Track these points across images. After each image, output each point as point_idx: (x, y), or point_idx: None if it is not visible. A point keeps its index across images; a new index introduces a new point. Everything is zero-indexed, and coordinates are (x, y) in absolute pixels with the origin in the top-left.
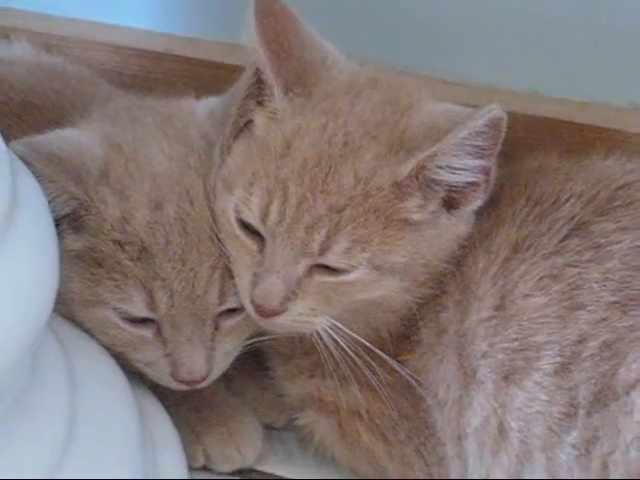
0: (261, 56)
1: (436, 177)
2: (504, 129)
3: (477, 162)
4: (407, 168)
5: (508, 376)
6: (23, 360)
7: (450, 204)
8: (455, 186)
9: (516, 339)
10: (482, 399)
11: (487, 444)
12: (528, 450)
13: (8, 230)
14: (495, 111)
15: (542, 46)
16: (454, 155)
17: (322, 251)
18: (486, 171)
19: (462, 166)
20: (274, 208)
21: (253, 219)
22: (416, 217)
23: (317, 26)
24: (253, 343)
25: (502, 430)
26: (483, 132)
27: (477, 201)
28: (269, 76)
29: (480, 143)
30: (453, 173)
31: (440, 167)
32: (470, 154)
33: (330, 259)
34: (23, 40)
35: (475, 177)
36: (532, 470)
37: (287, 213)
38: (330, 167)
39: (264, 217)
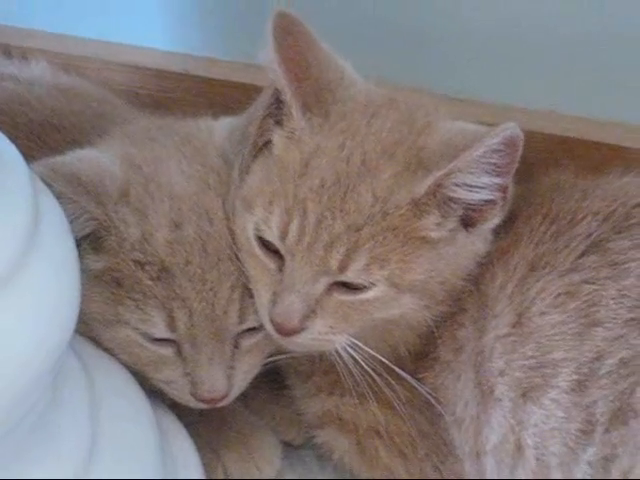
0: (280, 76)
1: (453, 195)
2: (521, 147)
3: (494, 180)
4: (424, 186)
5: (525, 393)
6: (45, 379)
7: (468, 222)
8: (472, 204)
9: (533, 356)
10: (500, 417)
11: (505, 461)
12: (545, 467)
13: (31, 250)
14: (512, 129)
15: (559, 65)
16: (470, 173)
17: (341, 269)
18: (503, 189)
19: (479, 184)
20: (293, 227)
21: (273, 238)
22: (434, 235)
23: (333, 45)
24: (272, 361)
25: (519, 447)
26: (499, 150)
27: (494, 219)
28: (287, 96)
29: (496, 161)
30: (470, 191)
31: (457, 185)
32: (487, 172)
33: (349, 276)
34: (42, 61)
35: (492, 195)
36: None
37: (306, 232)
38: (348, 186)
39: (283, 236)
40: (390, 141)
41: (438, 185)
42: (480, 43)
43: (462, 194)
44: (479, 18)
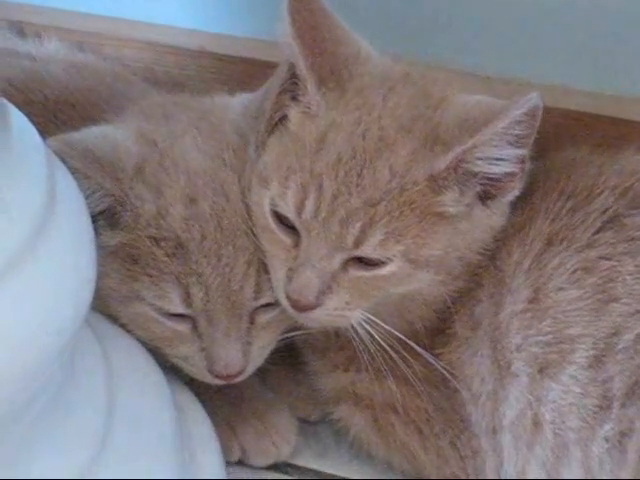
0: (295, 50)
1: (474, 169)
2: (540, 118)
3: (516, 151)
4: (445, 161)
5: (543, 369)
6: (62, 355)
7: (486, 196)
8: (493, 177)
9: (550, 332)
10: (517, 392)
11: (523, 437)
12: (563, 443)
13: (46, 225)
14: (535, 100)
15: (574, 39)
16: (494, 145)
17: (357, 244)
18: (522, 160)
19: (502, 156)
20: (309, 202)
21: (289, 212)
22: (452, 210)
23: (348, 22)
24: (288, 337)
25: (537, 423)
26: (522, 121)
27: (513, 192)
28: (302, 70)
29: (519, 132)
30: (492, 164)
31: (479, 158)
32: (510, 143)
33: (365, 251)
34: (57, 38)
35: (513, 167)
36: (568, 463)
37: (322, 207)
38: (365, 161)
39: (299, 211)
40: (407, 116)
41: (459, 160)
42: (494, 18)
43: (484, 167)
44: None
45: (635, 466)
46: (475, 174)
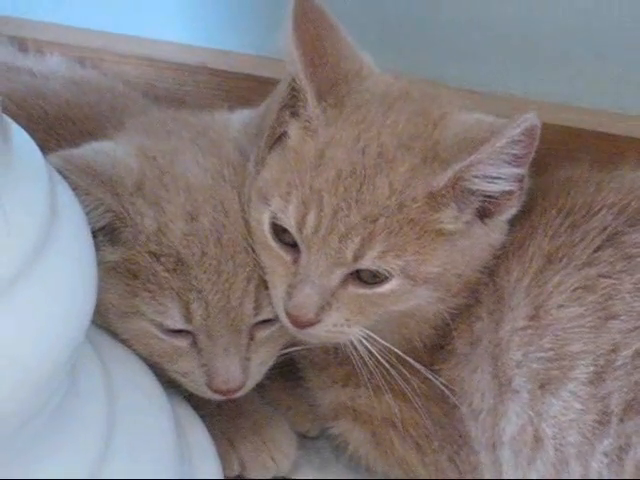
0: (295, 60)
1: (472, 187)
2: (538, 137)
3: (513, 170)
4: (444, 179)
5: (544, 385)
6: (62, 371)
7: (484, 213)
8: (490, 195)
9: (551, 349)
10: (518, 408)
11: (523, 452)
12: (564, 458)
13: (47, 241)
14: (531, 120)
15: (573, 57)
16: (491, 164)
17: (356, 258)
18: (520, 179)
19: (499, 175)
20: (310, 218)
21: (291, 227)
22: (450, 227)
23: (350, 36)
24: (287, 353)
25: (538, 438)
26: (520, 140)
27: (511, 210)
28: (302, 81)
29: (517, 151)
30: (490, 182)
31: (477, 177)
32: (507, 162)
33: (364, 264)
34: (57, 54)
35: (511, 186)
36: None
37: (323, 223)
38: (364, 178)
39: (300, 227)
40: (406, 133)
41: (457, 178)
42: (495, 35)
43: (482, 186)
44: (494, 10)
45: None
46: (473, 192)
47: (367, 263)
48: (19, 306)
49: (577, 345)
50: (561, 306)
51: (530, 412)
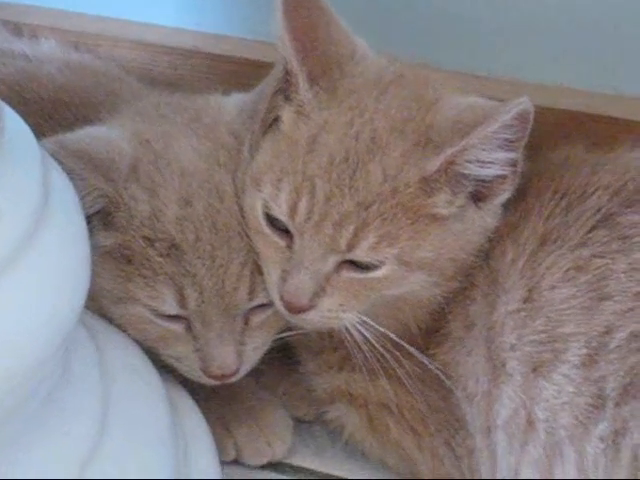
0: (286, 44)
1: (465, 171)
2: (531, 122)
3: (506, 155)
4: (436, 163)
5: (536, 368)
6: (56, 355)
7: (478, 197)
8: (483, 180)
9: (544, 331)
10: (511, 391)
11: (516, 436)
12: (556, 442)
13: (40, 225)
14: (524, 104)
15: (568, 39)
16: (483, 149)
17: (350, 247)
18: (514, 163)
19: (491, 160)
20: (302, 205)
21: (282, 215)
22: (444, 212)
23: (346, 21)
24: (282, 338)
25: (530, 422)
26: (512, 125)
27: (505, 194)
28: (293, 64)
29: (509, 136)
30: (482, 167)
31: (469, 161)
32: (499, 147)
33: (358, 255)
34: (52, 39)
35: (503, 170)
36: (561, 462)
37: (315, 210)
38: (357, 163)
39: (292, 214)
40: (399, 118)
41: (450, 162)
42: (489, 19)
43: (474, 170)
44: None
45: (629, 466)
46: (466, 176)
47: (361, 254)
48: (11, 290)
49: (569, 327)
50: (553, 287)
51: (523, 395)
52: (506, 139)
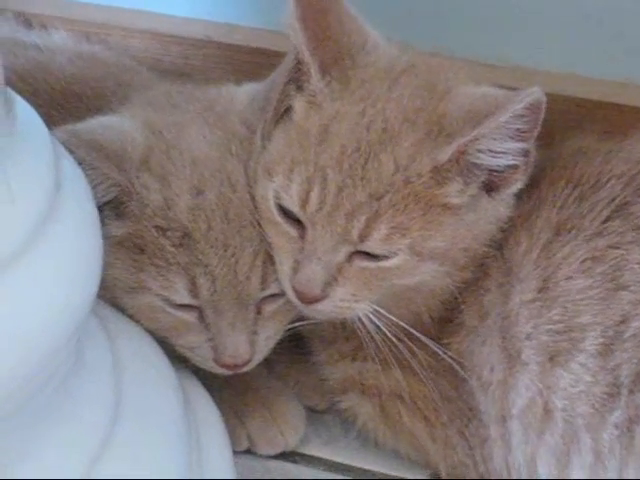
0: (298, 33)
1: (477, 161)
2: (543, 111)
3: (517, 145)
4: (447, 153)
5: (553, 357)
6: (68, 344)
7: (490, 187)
8: (495, 170)
9: (560, 321)
10: (527, 380)
11: (532, 425)
12: (573, 430)
13: (51, 214)
14: (536, 94)
15: (580, 26)
16: (495, 139)
17: (362, 238)
18: (526, 153)
19: (503, 149)
20: (314, 195)
21: (293, 206)
22: (456, 202)
23: (356, 10)
24: (295, 327)
25: (548, 411)
26: (523, 115)
27: (517, 183)
28: (305, 54)
29: (520, 126)
30: (494, 157)
31: (481, 151)
32: (511, 137)
33: (370, 246)
34: (63, 29)
35: (515, 160)
36: (578, 450)
37: (327, 200)
38: (369, 154)
39: (304, 204)
40: (411, 108)
41: (461, 152)
42: (500, 6)
43: (486, 160)
44: None
45: None
46: (478, 166)
47: (373, 245)
48: (24, 279)
49: (586, 317)
50: (570, 278)
51: (540, 384)
52: (517, 129)
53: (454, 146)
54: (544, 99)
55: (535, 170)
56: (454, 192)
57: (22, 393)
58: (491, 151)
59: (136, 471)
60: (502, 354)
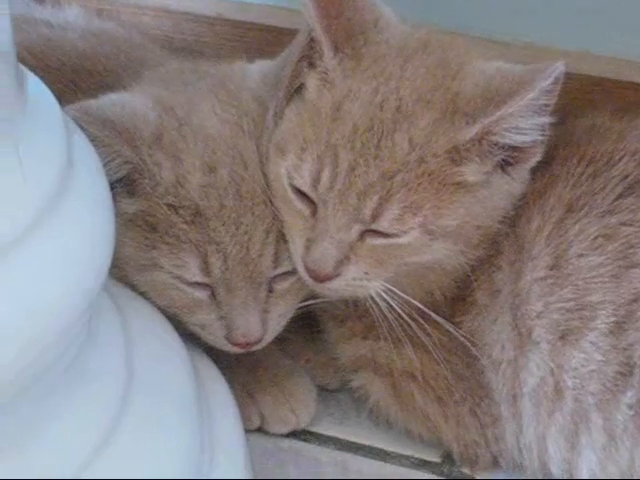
0: (310, 11)
1: (502, 140)
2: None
3: (541, 120)
4: (470, 133)
5: (564, 336)
6: (80, 322)
7: (506, 163)
8: (516, 147)
9: (571, 299)
10: (538, 359)
11: (543, 404)
12: (583, 409)
13: (63, 190)
14: (561, 67)
15: (593, 4)
16: (522, 116)
17: (374, 217)
18: (545, 128)
19: (529, 126)
20: (325, 174)
21: (304, 185)
22: (472, 179)
23: None
24: (307, 306)
25: (558, 390)
26: (550, 90)
27: (535, 158)
28: (318, 31)
29: (546, 101)
30: (519, 134)
31: (507, 130)
32: (536, 113)
33: (382, 225)
34: (75, 6)
35: (540, 135)
36: (588, 430)
37: (338, 179)
38: (382, 133)
39: (315, 183)
40: (425, 87)
41: (486, 132)
42: None
43: (511, 139)
44: None
45: None
46: (500, 145)
47: (385, 224)
48: (35, 257)
49: (597, 295)
50: (581, 255)
51: (551, 363)
52: (544, 104)
53: (478, 126)
54: (564, 70)
55: (548, 147)
56: (470, 171)
57: (35, 369)
58: (517, 128)
59: (147, 447)
60: (513, 332)
